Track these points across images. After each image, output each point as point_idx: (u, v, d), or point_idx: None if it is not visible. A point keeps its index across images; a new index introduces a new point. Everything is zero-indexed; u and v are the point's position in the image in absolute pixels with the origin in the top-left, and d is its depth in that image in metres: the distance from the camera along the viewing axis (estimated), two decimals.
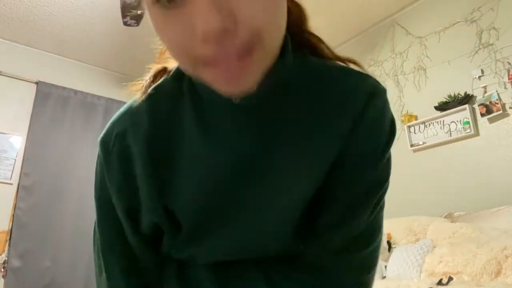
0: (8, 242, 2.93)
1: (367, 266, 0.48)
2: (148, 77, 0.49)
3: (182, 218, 0.47)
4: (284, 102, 0.44)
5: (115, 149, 0.47)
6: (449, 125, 2.38)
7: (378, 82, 0.46)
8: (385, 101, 0.45)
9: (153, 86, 0.48)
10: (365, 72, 0.47)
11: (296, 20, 0.47)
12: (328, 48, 0.51)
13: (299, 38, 0.48)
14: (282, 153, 0.44)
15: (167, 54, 0.47)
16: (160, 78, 0.49)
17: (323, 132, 0.44)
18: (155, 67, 0.50)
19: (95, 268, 0.52)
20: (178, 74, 0.47)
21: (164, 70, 0.50)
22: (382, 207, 0.48)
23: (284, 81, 0.44)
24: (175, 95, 0.47)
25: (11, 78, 3.25)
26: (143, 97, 0.47)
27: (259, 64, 0.36)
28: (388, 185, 0.48)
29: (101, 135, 0.49)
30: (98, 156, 0.49)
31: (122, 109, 0.49)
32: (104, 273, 0.50)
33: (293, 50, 0.45)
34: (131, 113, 0.47)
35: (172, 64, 0.49)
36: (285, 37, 0.42)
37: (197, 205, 0.46)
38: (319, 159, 0.44)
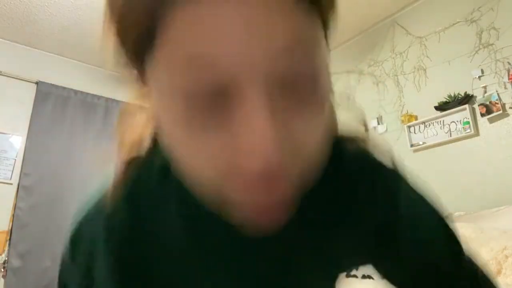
0: (8, 242, 2.93)
1: None
2: (117, 171, 0.35)
3: None
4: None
5: (81, 257, 0.38)
6: (449, 125, 2.38)
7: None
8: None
9: (129, 184, 0.35)
10: None
11: None
12: None
13: None
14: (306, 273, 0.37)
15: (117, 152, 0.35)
16: (133, 169, 0.35)
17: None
18: (123, 156, 0.35)
19: None
20: (163, 170, 0.33)
21: (135, 159, 0.36)
22: None
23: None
24: (159, 200, 0.35)
25: (11, 78, 3.25)
26: (118, 198, 0.34)
27: (290, 208, 0.28)
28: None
29: (70, 230, 0.39)
30: (63, 254, 0.41)
31: (93, 204, 0.37)
32: None
33: None
34: (105, 217, 0.35)
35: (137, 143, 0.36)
36: None
37: None
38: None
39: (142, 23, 0.25)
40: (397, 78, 2.81)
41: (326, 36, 0.28)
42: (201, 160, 0.26)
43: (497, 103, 2.14)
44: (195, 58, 0.23)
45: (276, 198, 0.26)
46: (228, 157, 0.24)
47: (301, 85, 0.25)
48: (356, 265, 0.40)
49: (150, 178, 0.35)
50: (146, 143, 0.35)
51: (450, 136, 2.36)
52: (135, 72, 0.29)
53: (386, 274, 0.43)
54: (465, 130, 2.28)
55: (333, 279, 0.41)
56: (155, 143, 0.34)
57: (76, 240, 0.38)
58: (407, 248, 0.39)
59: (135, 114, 0.35)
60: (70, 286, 0.39)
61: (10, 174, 3.09)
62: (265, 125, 0.23)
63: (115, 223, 0.34)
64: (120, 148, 0.36)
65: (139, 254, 0.34)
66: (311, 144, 0.26)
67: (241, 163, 0.24)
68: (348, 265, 0.42)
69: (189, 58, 0.23)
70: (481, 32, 2.32)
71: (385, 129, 2.81)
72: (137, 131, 0.36)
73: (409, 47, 2.76)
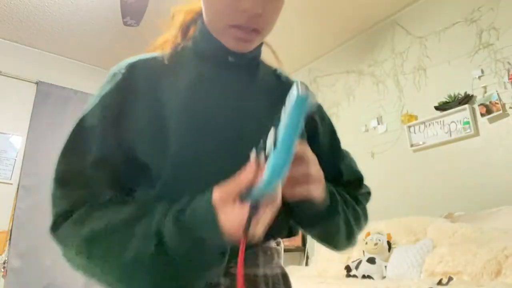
0: (8, 242, 2.94)
1: (363, 203, 0.68)
2: (158, 43, 0.66)
3: (175, 132, 0.54)
4: (255, 69, 0.67)
5: (124, 71, 0.57)
6: (449, 125, 2.38)
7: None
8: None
9: (172, 47, 0.63)
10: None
11: None
12: None
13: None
14: (252, 93, 0.63)
15: (157, 46, 0.66)
16: (166, 45, 0.65)
17: (271, 93, 0.65)
18: (170, 34, 0.66)
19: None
20: (183, 44, 0.64)
21: (166, 42, 0.66)
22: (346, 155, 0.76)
23: (257, 59, 0.67)
24: (187, 51, 0.63)
25: (11, 78, 3.25)
26: (161, 54, 0.62)
27: (257, 42, 0.61)
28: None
29: (115, 66, 0.60)
30: (104, 81, 0.58)
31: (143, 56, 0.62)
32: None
33: None
34: (149, 58, 0.61)
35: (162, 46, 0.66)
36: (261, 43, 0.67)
37: (194, 117, 0.56)
38: (271, 104, 0.59)
39: None
40: (397, 78, 2.81)
41: None
42: (217, 9, 0.56)
43: (497, 103, 2.14)
44: None
45: (253, 24, 0.56)
46: (232, 7, 0.54)
47: None
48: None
49: (177, 45, 0.63)
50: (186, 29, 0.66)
51: (450, 136, 2.36)
52: None
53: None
54: (465, 130, 2.28)
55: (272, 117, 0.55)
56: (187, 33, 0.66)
57: (133, 67, 0.58)
58: (321, 124, 0.69)
59: (191, 4, 0.65)
60: (136, 88, 0.56)
61: (10, 174, 3.09)
62: (252, 5, 0.53)
63: (157, 62, 0.60)
64: (177, 18, 0.66)
65: (166, 74, 0.59)
66: (269, 16, 0.57)
67: (240, 7, 0.53)
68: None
69: None
70: (481, 32, 2.32)
71: (385, 129, 2.81)
72: (190, 10, 0.65)
73: (409, 47, 2.76)
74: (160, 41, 0.66)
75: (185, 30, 0.65)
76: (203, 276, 0.46)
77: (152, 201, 0.49)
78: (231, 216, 0.42)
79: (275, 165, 0.40)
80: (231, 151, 0.54)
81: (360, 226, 0.64)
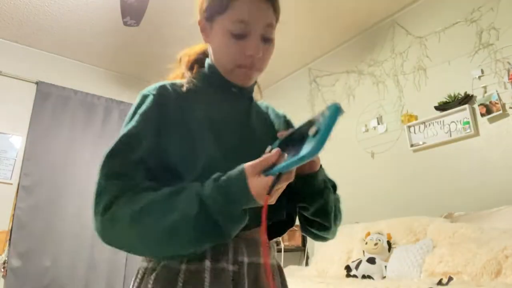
0: (8, 242, 2.94)
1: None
2: (180, 73, 0.82)
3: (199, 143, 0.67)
4: (251, 100, 0.83)
5: (155, 93, 0.69)
6: (449, 125, 2.38)
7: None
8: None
9: (187, 78, 0.78)
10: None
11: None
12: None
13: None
14: (250, 115, 0.79)
15: (179, 64, 0.83)
16: (182, 75, 0.81)
17: (264, 119, 0.83)
18: (179, 71, 0.83)
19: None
20: (198, 74, 0.80)
21: (182, 74, 0.82)
22: None
23: (252, 92, 0.83)
24: (198, 82, 0.77)
25: (11, 78, 3.25)
26: (183, 81, 0.76)
27: (254, 79, 0.77)
28: None
29: (144, 90, 0.71)
30: (136, 102, 0.69)
31: (164, 82, 0.75)
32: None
33: None
34: (173, 82, 0.74)
35: (181, 70, 0.82)
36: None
37: (214, 133, 0.69)
38: (265, 126, 0.81)
39: (223, 3, 0.69)
40: (397, 78, 2.81)
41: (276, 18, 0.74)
42: (229, 53, 0.71)
43: (497, 103, 2.14)
44: (240, 20, 0.68)
45: (256, 65, 0.72)
46: (240, 52, 0.70)
47: (268, 39, 0.72)
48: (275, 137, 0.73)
49: (194, 76, 0.78)
50: (196, 62, 0.83)
51: (450, 136, 2.36)
52: (206, 22, 0.74)
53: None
54: (465, 130, 2.28)
55: (272, 136, 0.72)
56: (200, 64, 0.82)
57: (164, 89, 0.70)
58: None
59: (193, 49, 0.84)
60: (168, 104, 0.69)
61: (10, 174, 3.09)
62: (258, 46, 0.70)
63: (177, 85, 0.74)
64: (184, 60, 0.82)
65: (186, 98, 0.72)
66: (266, 58, 0.73)
67: (247, 52, 0.69)
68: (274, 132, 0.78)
69: (238, 19, 0.68)
70: (481, 32, 2.32)
71: (385, 129, 2.81)
72: (193, 52, 0.83)
73: (409, 47, 2.76)
74: (171, 77, 0.82)
75: (191, 67, 0.82)
76: (229, 232, 0.57)
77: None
78: (257, 183, 0.54)
79: (308, 153, 0.50)
80: (244, 153, 0.65)
81: (340, 216, 0.79)
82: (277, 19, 0.74)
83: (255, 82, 0.83)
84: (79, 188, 3.30)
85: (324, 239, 0.79)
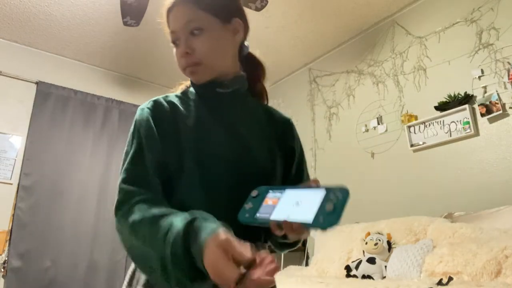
0: (8, 242, 2.94)
1: None
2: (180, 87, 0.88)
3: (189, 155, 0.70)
4: (242, 99, 0.83)
5: (150, 106, 0.74)
6: (449, 125, 2.38)
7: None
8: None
9: (180, 91, 0.84)
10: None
11: (255, 72, 0.87)
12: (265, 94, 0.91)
13: (254, 85, 0.87)
14: (241, 118, 0.80)
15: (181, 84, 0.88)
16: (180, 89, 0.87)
17: (260, 123, 0.83)
18: (180, 86, 0.88)
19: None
20: (189, 88, 0.84)
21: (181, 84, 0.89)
22: None
23: (240, 92, 0.82)
24: (188, 95, 0.81)
25: (11, 78, 3.25)
26: (175, 94, 0.81)
27: (202, 72, 0.76)
28: None
29: (150, 102, 0.76)
30: (135, 118, 0.73)
31: (159, 97, 0.79)
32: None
33: (249, 88, 0.85)
34: (166, 96, 0.78)
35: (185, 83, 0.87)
36: (240, 75, 0.82)
37: (203, 140, 0.72)
38: (259, 130, 0.81)
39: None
40: (397, 78, 2.81)
41: (217, 15, 0.76)
42: (176, 60, 0.77)
43: (497, 103, 2.14)
44: (171, 31, 0.78)
45: (188, 62, 0.74)
46: (178, 57, 0.76)
47: (196, 32, 0.74)
48: (277, 148, 0.81)
49: (186, 89, 0.84)
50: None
51: (450, 136, 2.36)
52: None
53: (282, 157, 0.82)
54: (465, 130, 2.28)
55: (268, 149, 0.79)
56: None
57: (158, 103, 0.75)
58: (292, 144, 0.85)
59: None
60: (162, 121, 0.72)
61: (10, 174, 3.09)
62: (182, 49, 0.74)
63: (170, 98, 0.78)
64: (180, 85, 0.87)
65: (177, 109, 0.76)
66: (201, 49, 0.73)
67: (179, 56, 0.76)
68: (272, 141, 0.81)
69: (170, 31, 0.78)
70: (481, 32, 2.32)
71: (385, 129, 2.81)
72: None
73: (409, 47, 2.76)
74: (179, 88, 0.89)
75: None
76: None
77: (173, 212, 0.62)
78: (219, 267, 0.47)
79: (327, 224, 0.48)
80: (227, 161, 0.70)
81: None
82: (205, 8, 0.74)
83: (240, 78, 0.81)
84: (79, 188, 3.30)
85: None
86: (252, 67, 0.86)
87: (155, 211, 0.60)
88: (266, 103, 0.89)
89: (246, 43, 0.85)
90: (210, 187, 0.68)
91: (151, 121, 0.71)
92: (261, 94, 0.89)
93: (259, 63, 0.88)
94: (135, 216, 0.60)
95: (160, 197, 0.65)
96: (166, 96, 0.78)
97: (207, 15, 0.74)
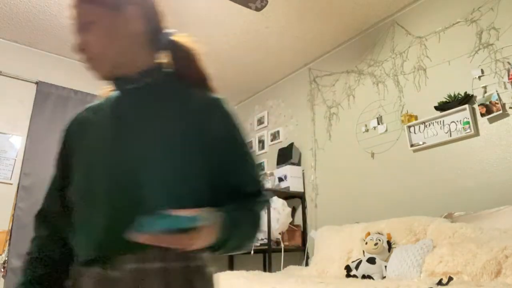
0: (8, 242, 2.93)
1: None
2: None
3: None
4: (153, 95, 0.76)
5: (64, 127, 0.82)
6: (449, 125, 2.38)
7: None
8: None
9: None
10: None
11: (183, 59, 0.79)
12: (206, 80, 0.81)
13: (184, 70, 0.79)
14: (151, 119, 0.73)
15: None
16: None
17: (167, 121, 0.73)
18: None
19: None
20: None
21: None
22: None
23: (156, 86, 0.77)
24: (110, 97, 0.81)
25: (11, 78, 3.25)
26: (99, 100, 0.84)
27: (98, 67, 0.74)
28: None
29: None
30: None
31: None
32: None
33: (176, 76, 0.79)
34: (86, 108, 0.84)
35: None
36: (154, 66, 0.78)
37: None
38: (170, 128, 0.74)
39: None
40: (397, 78, 2.81)
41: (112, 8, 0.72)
42: None
43: (497, 103, 2.14)
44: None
45: (88, 63, 0.74)
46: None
47: (87, 27, 0.72)
48: (177, 131, 0.72)
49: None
50: None
51: (450, 136, 2.36)
52: None
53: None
54: (465, 130, 2.28)
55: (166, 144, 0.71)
56: None
57: (68, 125, 0.85)
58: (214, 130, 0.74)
59: None
60: (71, 138, 0.83)
61: (10, 174, 3.09)
62: (76, 47, 0.74)
63: (81, 115, 0.84)
64: None
65: (84, 122, 0.82)
66: (92, 42, 0.72)
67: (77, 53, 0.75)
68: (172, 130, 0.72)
69: None
70: (481, 32, 2.32)
71: (385, 129, 2.81)
72: None
73: (409, 47, 2.76)
74: None
75: None
76: None
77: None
78: None
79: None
80: (110, 177, 0.70)
81: (254, 233, 0.73)
82: (90, 1, 0.73)
83: (158, 72, 0.77)
84: None
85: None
86: (180, 54, 0.78)
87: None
88: (207, 89, 0.79)
89: (170, 30, 0.79)
90: (88, 214, 0.71)
91: (62, 143, 0.85)
92: (198, 81, 0.79)
93: (186, 47, 0.79)
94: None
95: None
96: (85, 109, 0.83)
97: (94, 6, 0.72)
